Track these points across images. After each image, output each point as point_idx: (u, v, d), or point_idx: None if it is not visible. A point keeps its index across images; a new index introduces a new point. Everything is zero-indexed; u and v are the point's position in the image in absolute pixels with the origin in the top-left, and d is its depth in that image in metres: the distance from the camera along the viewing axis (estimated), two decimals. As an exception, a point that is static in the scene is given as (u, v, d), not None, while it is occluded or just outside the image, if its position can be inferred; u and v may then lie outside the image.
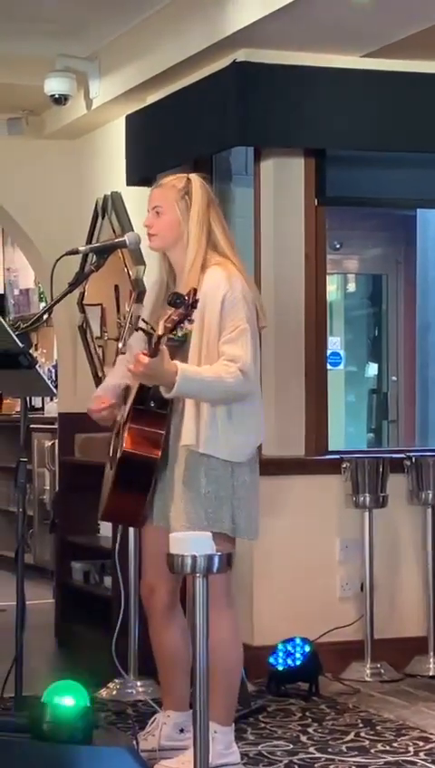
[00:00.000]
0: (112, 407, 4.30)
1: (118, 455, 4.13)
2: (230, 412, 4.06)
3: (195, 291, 3.81)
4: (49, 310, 4.54)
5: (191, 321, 3.81)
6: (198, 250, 4.12)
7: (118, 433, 4.25)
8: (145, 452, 4.08)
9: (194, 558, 3.41)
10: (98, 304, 6.89)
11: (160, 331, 3.82)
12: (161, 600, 4.29)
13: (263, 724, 4.79)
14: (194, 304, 3.75)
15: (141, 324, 4.02)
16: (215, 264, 4.10)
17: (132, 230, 5.78)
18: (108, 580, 5.94)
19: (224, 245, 4.16)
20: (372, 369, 7.85)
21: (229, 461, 4.07)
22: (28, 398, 6.18)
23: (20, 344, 4.21)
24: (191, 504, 4.05)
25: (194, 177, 4.25)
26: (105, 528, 6.20)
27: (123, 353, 4.65)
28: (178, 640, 4.31)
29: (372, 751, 4.45)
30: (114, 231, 6.45)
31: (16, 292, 10.82)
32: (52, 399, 8.51)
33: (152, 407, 4.08)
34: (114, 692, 5.24)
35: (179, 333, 3.89)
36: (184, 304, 3.73)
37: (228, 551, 3.67)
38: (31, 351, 4.47)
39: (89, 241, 6.67)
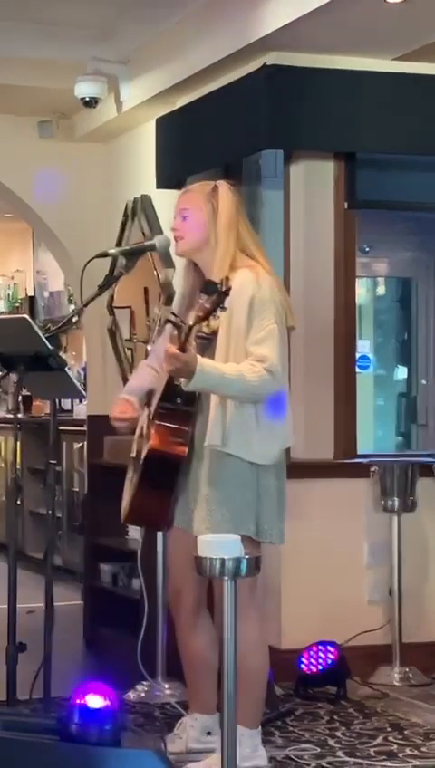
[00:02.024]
0: (134, 419, 4.29)
1: (143, 454, 4.13)
2: (257, 414, 4.05)
3: (227, 279, 3.80)
4: (79, 312, 4.55)
5: (224, 309, 3.79)
6: (226, 251, 4.13)
7: (141, 435, 4.26)
8: (171, 449, 4.08)
9: (222, 561, 3.41)
10: (127, 307, 6.90)
11: (191, 322, 3.82)
12: (187, 603, 4.29)
13: (291, 728, 4.79)
14: (227, 291, 3.75)
15: (171, 316, 4.03)
16: (244, 266, 4.11)
17: (162, 233, 5.79)
18: (136, 583, 5.95)
19: (252, 248, 4.17)
20: (402, 372, 7.82)
21: (255, 463, 4.07)
22: (57, 401, 6.22)
23: (49, 346, 4.22)
24: (216, 506, 4.05)
25: (221, 183, 4.26)
26: (133, 530, 6.21)
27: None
28: (204, 644, 4.31)
29: (400, 755, 4.44)
30: (144, 234, 6.46)
31: (46, 294, 10.86)
32: (81, 402, 8.53)
33: (179, 404, 4.09)
34: (142, 694, 5.25)
35: (212, 322, 3.87)
36: (217, 292, 3.73)
37: (253, 554, 3.67)
38: (60, 353, 4.48)
39: (119, 244, 6.68)
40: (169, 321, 4.02)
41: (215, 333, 4.04)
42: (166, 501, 4.14)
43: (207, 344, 4.05)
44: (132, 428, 4.32)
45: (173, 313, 4.12)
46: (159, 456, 4.09)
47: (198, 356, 3.92)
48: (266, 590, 5.37)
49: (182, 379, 3.95)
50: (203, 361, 3.92)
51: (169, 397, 4.09)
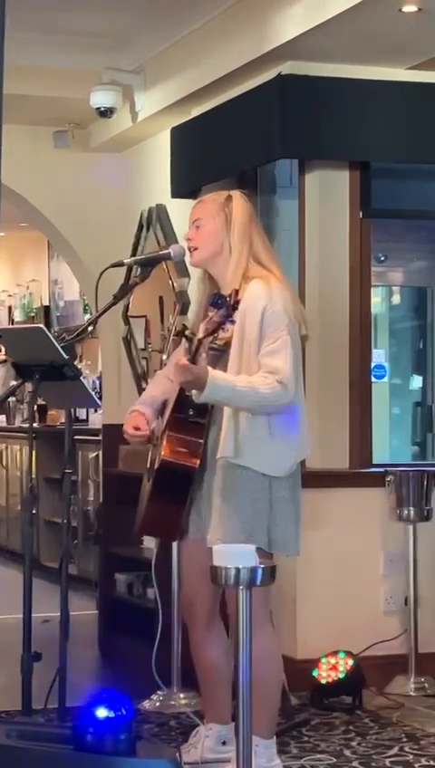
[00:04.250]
0: (148, 436, 4.27)
1: (156, 464, 4.13)
2: (270, 425, 4.04)
3: (236, 292, 3.80)
4: (94, 321, 4.56)
5: (233, 323, 3.79)
6: (239, 261, 4.12)
7: (156, 445, 4.25)
8: (183, 460, 4.07)
9: (238, 570, 3.41)
10: (142, 316, 6.90)
11: (201, 334, 3.82)
12: (200, 613, 4.28)
13: (306, 738, 4.78)
14: (235, 305, 3.75)
15: (182, 329, 4.03)
16: (256, 276, 4.10)
17: (177, 242, 5.80)
18: (151, 592, 5.95)
19: (265, 258, 4.15)
20: (417, 381, 7.81)
21: (267, 474, 4.05)
22: (73, 410, 6.21)
23: (65, 356, 4.23)
24: (227, 517, 4.03)
25: (235, 192, 4.25)
26: (148, 540, 6.21)
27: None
28: (218, 654, 4.30)
29: (416, 765, 4.43)
30: (159, 243, 6.47)
31: (61, 303, 10.88)
32: (96, 411, 8.54)
33: (191, 415, 4.08)
34: (157, 704, 5.24)
35: (221, 335, 3.87)
36: (225, 305, 3.73)
37: (266, 564, 3.65)
38: (76, 363, 4.48)
39: (134, 253, 6.69)
40: (180, 332, 4.02)
41: (227, 345, 4.03)
42: (178, 512, 4.14)
43: (220, 356, 4.04)
44: (146, 441, 4.31)
45: (184, 325, 4.11)
46: (171, 467, 4.08)
47: (210, 368, 3.92)
48: (282, 599, 5.37)
49: (194, 392, 3.94)
50: (215, 373, 3.91)
51: (181, 408, 4.08)
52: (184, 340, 3.94)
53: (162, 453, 4.08)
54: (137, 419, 4.30)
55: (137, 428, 4.27)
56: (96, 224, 7.10)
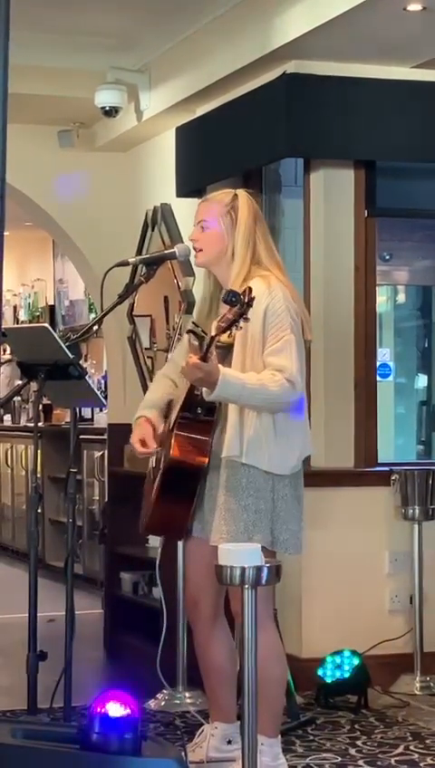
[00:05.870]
0: (154, 452, 4.26)
1: (163, 463, 4.12)
2: (275, 424, 4.04)
3: (250, 289, 3.79)
4: (99, 321, 4.56)
5: (247, 320, 3.78)
6: (242, 264, 4.11)
7: (161, 444, 4.25)
8: (192, 459, 4.07)
9: (243, 569, 3.41)
10: (147, 315, 6.90)
11: (214, 332, 3.81)
12: (204, 612, 4.28)
13: (311, 737, 4.78)
14: (250, 302, 3.74)
15: (192, 327, 4.02)
16: (257, 276, 4.09)
17: (182, 242, 5.79)
18: (156, 591, 5.95)
19: (268, 260, 4.14)
20: (422, 380, 7.80)
21: (271, 473, 4.05)
22: (78, 409, 6.21)
23: (70, 355, 4.23)
24: (231, 516, 4.04)
25: (241, 192, 4.24)
26: (154, 539, 6.21)
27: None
28: (222, 653, 4.30)
29: (422, 765, 4.43)
30: (164, 242, 6.47)
31: (67, 303, 10.89)
32: (101, 410, 8.55)
33: (199, 413, 4.08)
34: (163, 703, 5.25)
35: (235, 331, 3.86)
36: (240, 302, 3.72)
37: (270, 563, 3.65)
38: (81, 362, 4.48)
39: (139, 252, 6.69)
40: (190, 331, 4.01)
41: (232, 343, 4.03)
42: (185, 511, 4.13)
43: (226, 354, 4.04)
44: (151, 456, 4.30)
45: (194, 323, 4.11)
46: (180, 466, 4.08)
47: (220, 366, 3.91)
48: (287, 598, 5.37)
49: (204, 389, 3.94)
50: (226, 371, 3.92)
51: (189, 407, 4.08)
52: (194, 337, 3.93)
53: (171, 452, 4.07)
54: (144, 429, 4.26)
55: (143, 443, 4.25)
56: (101, 223, 7.10)
